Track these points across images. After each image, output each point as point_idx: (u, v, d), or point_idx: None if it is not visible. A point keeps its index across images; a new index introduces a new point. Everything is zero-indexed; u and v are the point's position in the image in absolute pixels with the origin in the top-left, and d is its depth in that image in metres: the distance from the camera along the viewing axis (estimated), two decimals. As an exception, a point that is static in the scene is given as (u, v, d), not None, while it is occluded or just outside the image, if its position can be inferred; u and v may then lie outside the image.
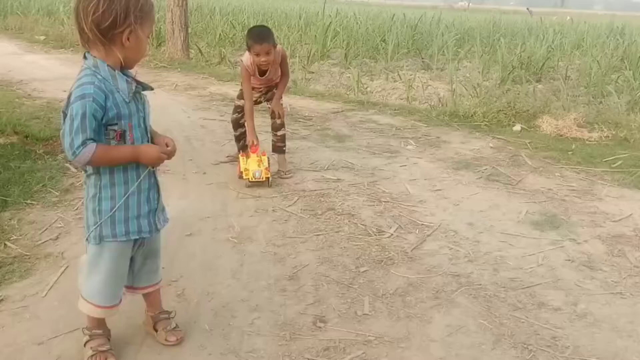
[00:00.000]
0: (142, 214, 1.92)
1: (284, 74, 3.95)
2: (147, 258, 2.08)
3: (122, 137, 1.82)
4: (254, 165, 3.68)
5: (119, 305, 2.03)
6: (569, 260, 2.86)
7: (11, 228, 2.96)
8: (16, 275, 2.54)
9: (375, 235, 3.08)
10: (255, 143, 3.73)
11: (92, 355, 1.98)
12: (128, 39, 1.77)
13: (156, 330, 2.16)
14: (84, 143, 1.72)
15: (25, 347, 2.08)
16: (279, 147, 4.04)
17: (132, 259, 2.03)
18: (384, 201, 3.55)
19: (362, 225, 3.19)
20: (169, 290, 2.49)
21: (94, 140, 1.75)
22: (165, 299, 2.42)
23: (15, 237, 2.87)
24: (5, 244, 2.78)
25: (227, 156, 4.30)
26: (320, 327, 2.28)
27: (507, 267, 2.76)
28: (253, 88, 3.87)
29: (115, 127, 1.80)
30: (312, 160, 4.32)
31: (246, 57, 3.76)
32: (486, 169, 4.23)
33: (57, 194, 3.43)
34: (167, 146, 1.93)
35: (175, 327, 2.17)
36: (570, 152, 4.70)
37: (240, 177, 3.76)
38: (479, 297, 2.48)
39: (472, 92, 6.54)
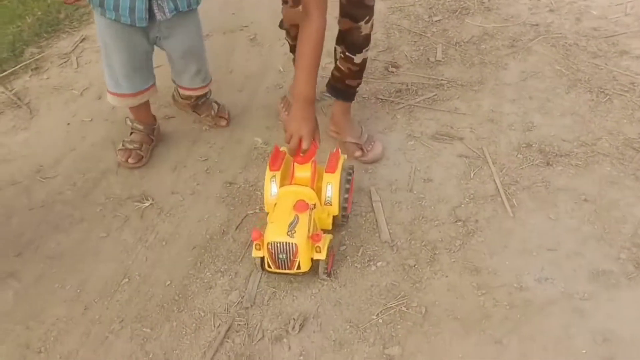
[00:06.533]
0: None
1: None
2: (183, 58, 1.83)
3: None
4: (280, 224, 1.48)
5: (133, 96, 1.83)
6: (660, 11, 2.67)
7: None
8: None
9: (449, -15, 2.90)
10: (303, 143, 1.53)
11: (119, 149, 1.93)
12: None
13: (199, 114, 2.08)
14: None
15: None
16: (346, 89, 1.89)
17: (171, 59, 1.85)
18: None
19: (436, -25, 3.00)
20: (241, 35, 2.52)
21: None
22: (238, 43, 2.46)
23: None
24: None
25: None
26: (392, 72, 2.31)
27: (591, 16, 2.60)
28: None
29: None
30: None
31: None
32: None
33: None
34: None
35: (219, 109, 2.07)
36: None
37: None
38: (558, 45, 2.40)
39: None
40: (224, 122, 2.06)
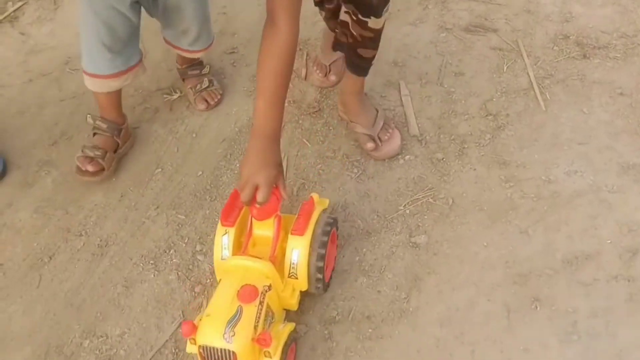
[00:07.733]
0: None
1: None
2: (168, 12, 1.54)
3: None
4: (217, 320, 1.09)
5: (112, 77, 1.53)
6: None
7: None
8: None
9: None
10: (262, 195, 1.16)
11: (78, 156, 1.59)
12: None
13: (184, 81, 1.80)
14: None
15: None
16: (357, 59, 1.48)
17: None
18: None
19: None
20: None
21: None
22: None
23: None
24: None
25: None
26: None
27: None
28: None
29: None
30: None
31: None
32: None
33: None
34: None
35: (208, 87, 1.77)
36: None
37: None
38: None
39: None
40: (202, 106, 1.75)
